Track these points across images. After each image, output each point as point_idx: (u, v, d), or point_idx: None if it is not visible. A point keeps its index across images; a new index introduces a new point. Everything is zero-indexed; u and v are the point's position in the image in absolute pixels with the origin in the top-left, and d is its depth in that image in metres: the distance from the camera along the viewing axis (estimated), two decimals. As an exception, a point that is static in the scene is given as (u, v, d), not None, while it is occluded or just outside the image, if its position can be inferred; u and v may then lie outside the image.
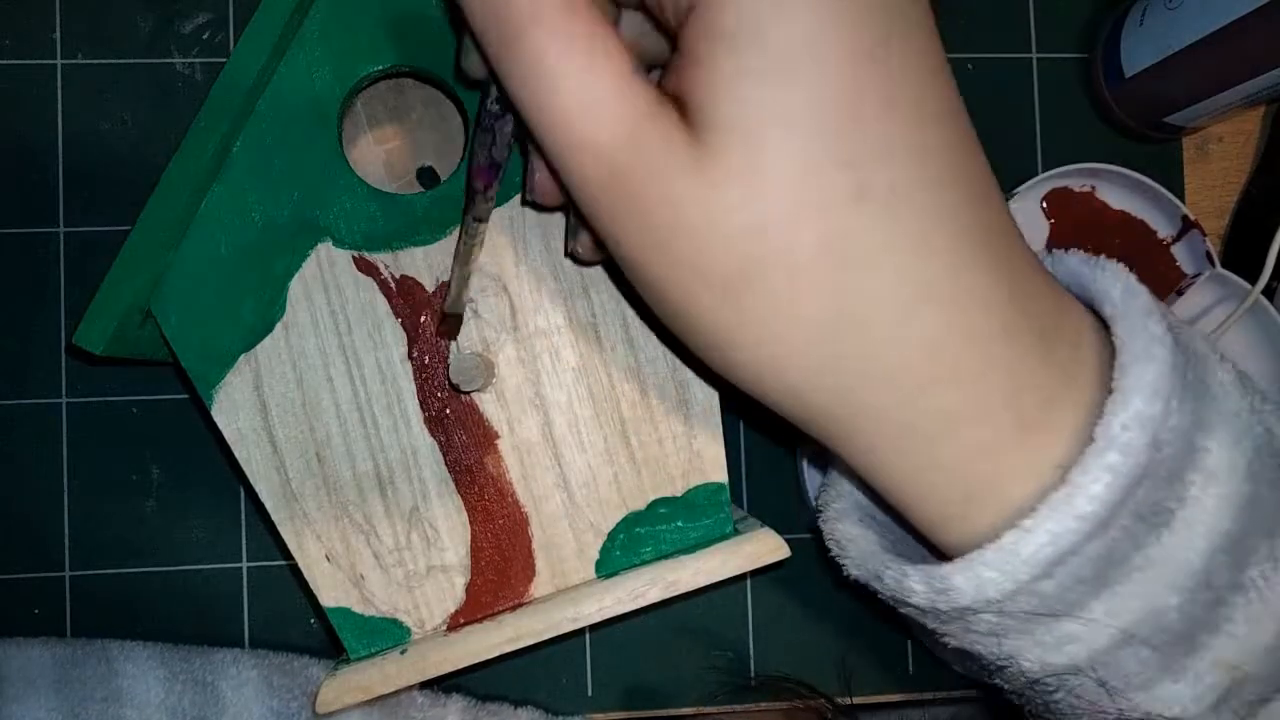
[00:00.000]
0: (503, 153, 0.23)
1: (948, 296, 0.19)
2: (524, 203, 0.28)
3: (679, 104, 0.19)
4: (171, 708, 0.34)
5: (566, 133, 0.19)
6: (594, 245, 0.24)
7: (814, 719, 0.39)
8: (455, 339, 0.28)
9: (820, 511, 0.28)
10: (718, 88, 0.18)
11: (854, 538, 0.26)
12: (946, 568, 0.22)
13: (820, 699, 0.36)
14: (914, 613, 0.24)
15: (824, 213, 0.18)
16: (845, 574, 0.27)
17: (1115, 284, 0.22)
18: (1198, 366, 0.22)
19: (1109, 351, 0.21)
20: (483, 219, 0.25)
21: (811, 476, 0.37)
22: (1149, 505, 0.20)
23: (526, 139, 0.22)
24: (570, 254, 0.26)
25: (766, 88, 0.17)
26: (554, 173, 0.20)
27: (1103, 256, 0.23)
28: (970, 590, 0.21)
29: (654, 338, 0.28)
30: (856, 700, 0.39)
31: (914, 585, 0.23)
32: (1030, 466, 0.21)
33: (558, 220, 0.28)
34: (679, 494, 0.29)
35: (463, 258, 0.26)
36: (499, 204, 0.28)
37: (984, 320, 0.20)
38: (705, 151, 0.18)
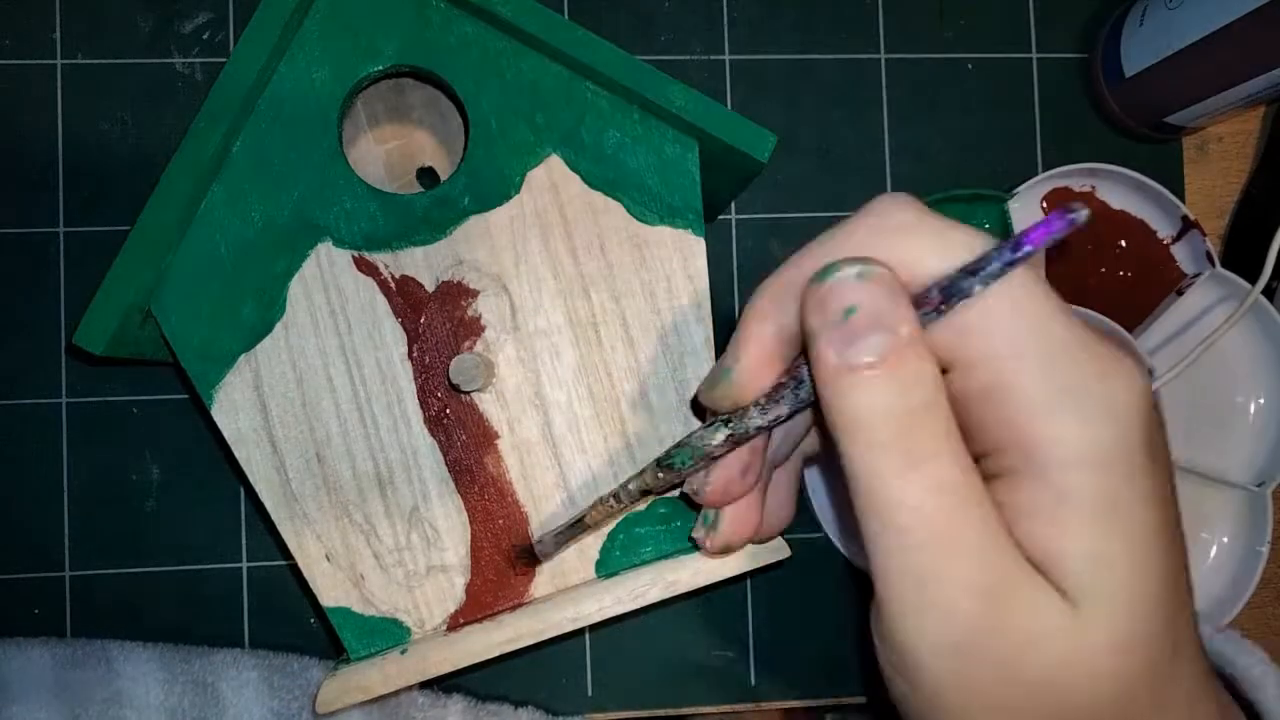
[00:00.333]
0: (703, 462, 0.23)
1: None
2: (688, 504, 0.27)
3: (1033, 557, 0.19)
4: (171, 709, 0.34)
5: (918, 593, 0.19)
6: (725, 542, 0.25)
7: (814, 719, 0.39)
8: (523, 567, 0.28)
9: None
10: (1087, 553, 0.18)
11: None
12: None
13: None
14: None
15: (1157, 668, 0.19)
16: None
17: (1268, 679, 0.23)
18: None
19: None
20: (650, 490, 0.25)
21: (813, 479, 0.37)
22: None
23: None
24: (698, 542, 0.26)
25: (1125, 559, 0.18)
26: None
27: (1243, 637, 0.25)
28: None
29: (654, 337, 0.28)
30: (857, 700, 0.39)
31: None
32: None
33: (558, 221, 0.28)
34: (679, 494, 0.29)
35: (591, 522, 0.26)
36: (496, 205, 0.28)
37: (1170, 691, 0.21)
38: (1080, 620, 0.18)
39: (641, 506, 0.27)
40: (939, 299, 0.18)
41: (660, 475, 0.24)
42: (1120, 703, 0.19)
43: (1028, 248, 0.17)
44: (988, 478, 0.19)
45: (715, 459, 0.22)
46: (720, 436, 0.22)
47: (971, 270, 0.18)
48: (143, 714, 0.33)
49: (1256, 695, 0.23)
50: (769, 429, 0.21)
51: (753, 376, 0.21)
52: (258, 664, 0.35)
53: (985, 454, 0.19)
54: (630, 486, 0.25)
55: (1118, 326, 0.35)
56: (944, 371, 0.19)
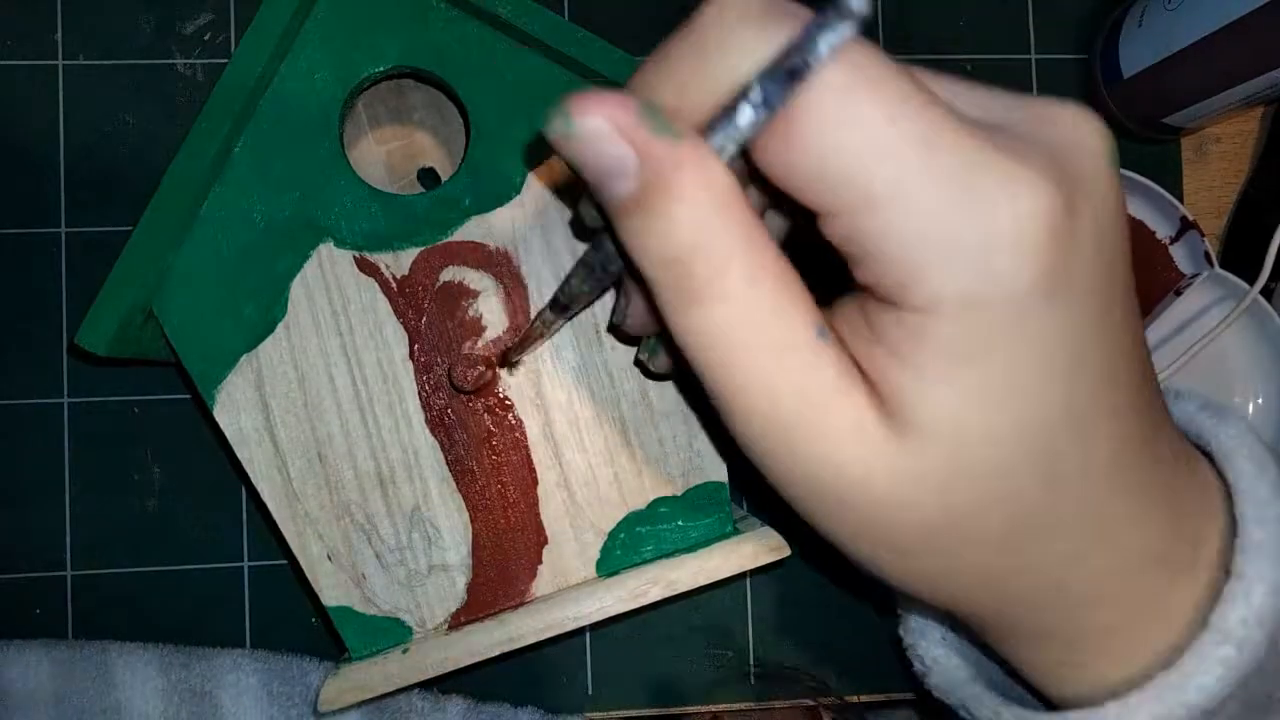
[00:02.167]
0: (596, 290, 0.22)
1: (1117, 544, 0.20)
2: (609, 329, 0.28)
3: (865, 377, 0.18)
4: (170, 718, 0.34)
5: (742, 399, 0.18)
6: (669, 362, 0.24)
7: (814, 719, 0.39)
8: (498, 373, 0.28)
9: (900, 616, 0.28)
10: (927, 395, 0.17)
11: (940, 661, 0.26)
12: (1033, 716, 0.22)
13: (820, 690, 0.36)
14: None
15: (1014, 501, 0.18)
16: (924, 685, 0.27)
17: (1241, 449, 0.22)
18: None
19: (1229, 518, 0.21)
20: (558, 318, 0.25)
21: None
22: (1260, 696, 0.20)
23: (633, 278, 0.21)
24: (638, 362, 0.25)
25: (977, 408, 0.17)
26: (653, 309, 0.19)
27: (1225, 409, 0.23)
28: None
29: (654, 338, 0.29)
30: (857, 700, 0.39)
31: (987, 716, 0.23)
32: (1146, 642, 0.21)
33: (558, 221, 0.28)
34: (679, 493, 0.29)
35: (533, 334, 0.26)
36: (497, 206, 0.28)
37: (1141, 555, 0.20)
38: (903, 444, 0.18)
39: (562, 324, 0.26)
40: (760, 97, 0.16)
41: (575, 283, 0.23)
42: (946, 535, 0.19)
43: (819, 35, 0.15)
44: (873, 299, 0.18)
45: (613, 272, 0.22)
46: (580, 277, 0.22)
47: (784, 66, 0.16)
48: None
49: (1226, 466, 0.21)
50: (590, 278, 0.21)
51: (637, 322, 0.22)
52: (257, 669, 0.35)
53: (864, 285, 0.18)
54: (562, 295, 0.24)
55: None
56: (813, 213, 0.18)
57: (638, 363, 0.26)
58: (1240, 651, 0.20)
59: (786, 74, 0.15)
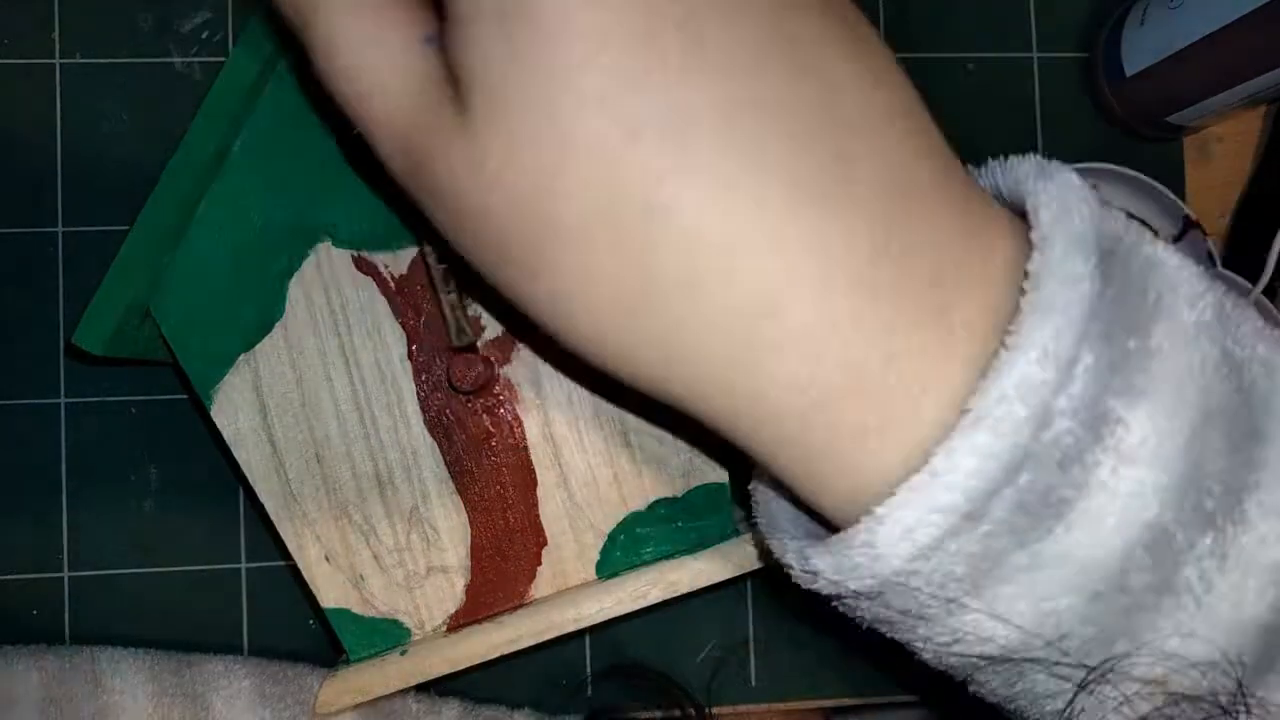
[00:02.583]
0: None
1: (777, 246, 0.16)
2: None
3: (451, 71, 0.18)
4: None
5: (366, 109, 0.19)
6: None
7: (815, 719, 0.38)
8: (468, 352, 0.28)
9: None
10: (476, 57, 0.17)
11: (767, 502, 0.23)
12: (812, 549, 0.19)
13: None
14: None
15: (594, 162, 0.16)
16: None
17: (1052, 201, 0.18)
18: (1135, 296, 0.18)
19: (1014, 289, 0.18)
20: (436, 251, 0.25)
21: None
22: (1036, 493, 0.17)
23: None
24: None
25: (530, 58, 0.16)
26: None
27: (1058, 163, 0.20)
28: (836, 577, 0.19)
29: (654, 338, 0.28)
30: (857, 701, 0.39)
31: (791, 562, 0.21)
32: (900, 439, 0.17)
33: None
34: (679, 494, 0.29)
35: (439, 288, 0.26)
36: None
37: (831, 272, 0.17)
38: (467, 118, 0.17)
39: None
40: None
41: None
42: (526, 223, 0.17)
43: None
44: None
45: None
46: None
47: None
48: None
49: (1033, 224, 0.18)
50: None
51: None
52: (250, 673, 0.35)
53: None
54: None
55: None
56: None
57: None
58: (997, 436, 0.16)
59: None
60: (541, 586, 0.29)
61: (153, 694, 0.34)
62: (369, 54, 0.18)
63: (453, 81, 0.18)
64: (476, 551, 0.28)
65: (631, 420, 0.29)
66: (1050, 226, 0.18)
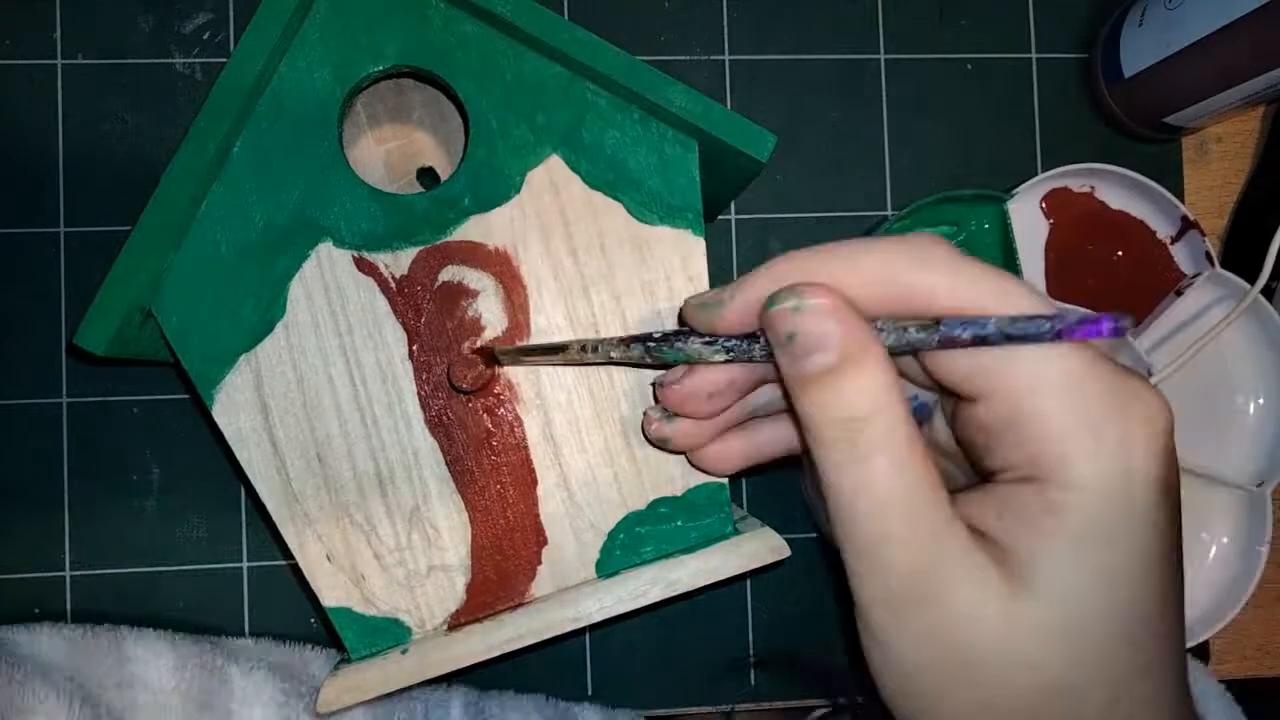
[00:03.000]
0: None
1: None
2: (654, 387, 0.27)
3: (984, 537, 0.21)
4: (184, 692, 0.34)
5: (880, 550, 0.20)
6: (672, 434, 0.26)
7: None
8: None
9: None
10: (1055, 560, 0.20)
11: None
12: None
13: (822, 677, 0.36)
14: None
15: (1116, 684, 0.21)
16: None
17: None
18: None
19: None
20: (619, 362, 0.26)
21: (813, 477, 0.37)
22: None
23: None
24: (645, 422, 0.27)
25: (1095, 580, 0.20)
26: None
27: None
28: None
29: (654, 338, 0.28)
30: (857, 701, 0.39)
31: None
32: None
33: (558, 221, 0.28)
34: (679, 493, 0.29)
35: (561, 359, 0.27)
36: (496, 205, 0.28)
37: None
38: (1022, 602, 0.20)
39: (599, 360, 0.27)
40: (969, 339, 0.19)
41: (645, 358, 0.25)
42: (1060, 701, 0.20)
43: (1066, 338, 0.18)
44: (994, 480, 0.21)
45: (693, 365, 0.24)
46: (720, 357, 0.23)
47: (1006, 332, 0.19)
48: (156, 697, 0.34)
49: None
50: (728, 361, 0.23)
51: (736, 318, 0.22)
52: (267, 650, 0.35)
53: (999, 470, 0.21)
54: (611, 352, 0.25)
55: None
56: (971, 400, 0.21)
57: (647, 423, 0.27)
58: None
59: (1004, 336, 0.19)
60: (541, 586, 0.29)
61: (174, 665, 0.34)
62: (901, 502, 0.20)
63: (982, 547, 0.20)
64: (477, 551, 0.28)
65: (631, 420, 0.29)
66: None
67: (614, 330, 0.28)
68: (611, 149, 0.28)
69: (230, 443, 0.28)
